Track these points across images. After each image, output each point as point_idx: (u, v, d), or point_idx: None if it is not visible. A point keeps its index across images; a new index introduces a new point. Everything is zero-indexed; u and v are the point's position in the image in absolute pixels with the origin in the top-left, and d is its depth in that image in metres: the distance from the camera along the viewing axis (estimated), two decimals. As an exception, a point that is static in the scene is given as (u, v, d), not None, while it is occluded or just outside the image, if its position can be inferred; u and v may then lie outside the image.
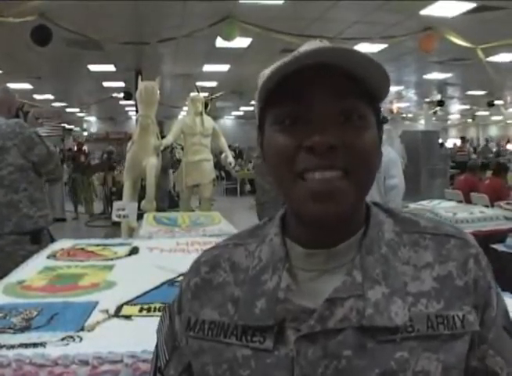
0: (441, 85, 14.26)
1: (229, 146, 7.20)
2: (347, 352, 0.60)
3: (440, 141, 12.47)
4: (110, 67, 10.68)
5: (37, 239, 2.75)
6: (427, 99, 17.12)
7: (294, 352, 0.61)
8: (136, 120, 5.51)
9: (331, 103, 0.61)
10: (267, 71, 0.68)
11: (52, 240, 2.80)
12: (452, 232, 0.69)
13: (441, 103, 16.27)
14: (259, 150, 0.71)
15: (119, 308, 1.39)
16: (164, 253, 2.18)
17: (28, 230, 2.73)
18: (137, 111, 5.45)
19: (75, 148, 12.91)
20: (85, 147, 13.79)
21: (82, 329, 1.22)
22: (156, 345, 0.76)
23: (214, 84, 12.72)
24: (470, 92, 15.94)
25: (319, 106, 0.61)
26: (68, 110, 19.07)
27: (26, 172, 2.75)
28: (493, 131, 28.60)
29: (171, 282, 1.65)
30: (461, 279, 0.65)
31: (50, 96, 15.49)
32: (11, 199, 2.70)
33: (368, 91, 0.63)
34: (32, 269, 1.86)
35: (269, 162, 0.66)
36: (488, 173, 6.88)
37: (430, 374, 0.60)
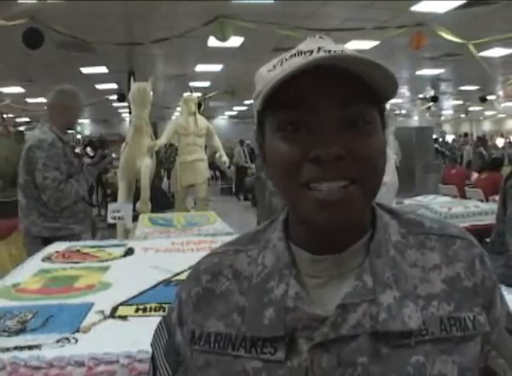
0: (434, 81, 14.28)
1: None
2: (362, 359, 0.58)
3: (434, 136, 12.54)
4: (103, 69, 10.65)
5: None
6: (421, 95, 17.15)
7: (308, 362, 0.59)
8: (130, 121, 5.49)
9: (336, 109, 0.58)
10: (264, 70, 0.64)
11: None
12: (456, 232, 0.68)
13: (434, 99, 16.30)
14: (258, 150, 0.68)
15: (115, 308, 1.38)
16: (159, 253, 2.17)
17: None
18: (130, 113, 5.43)
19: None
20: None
21: (77, 330, 1.22)
22: (153, 358, 0.72)
23: (207, 84, 12.70)
24: (462, 88, 15.97)
25: (323, 112, 0.58)
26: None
27: None
28: (486, 126, 28.69)
29: (166, 282, 1.65)
30: (469, 280, 0.64)
31: (43, 100, 15.43)
32: None
33: (373, 92, 0.60)
34: (27, 272, 1.85)
35: (273, 170, 0.63)
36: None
37: None
